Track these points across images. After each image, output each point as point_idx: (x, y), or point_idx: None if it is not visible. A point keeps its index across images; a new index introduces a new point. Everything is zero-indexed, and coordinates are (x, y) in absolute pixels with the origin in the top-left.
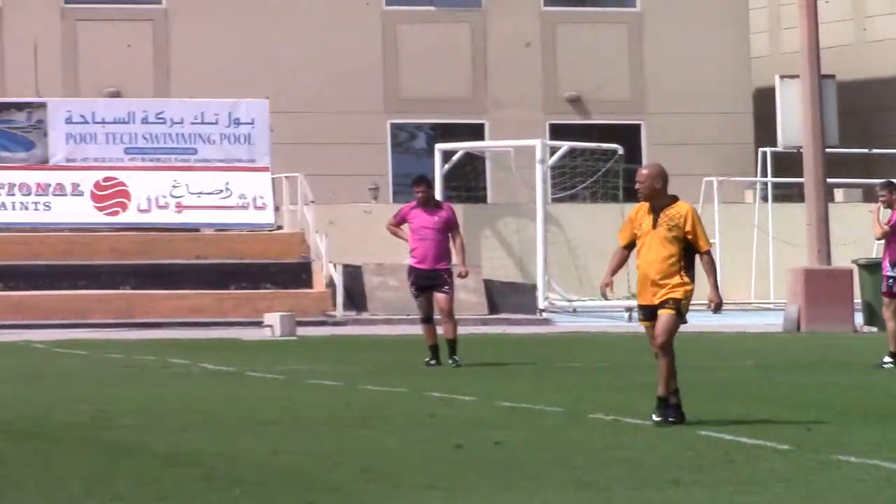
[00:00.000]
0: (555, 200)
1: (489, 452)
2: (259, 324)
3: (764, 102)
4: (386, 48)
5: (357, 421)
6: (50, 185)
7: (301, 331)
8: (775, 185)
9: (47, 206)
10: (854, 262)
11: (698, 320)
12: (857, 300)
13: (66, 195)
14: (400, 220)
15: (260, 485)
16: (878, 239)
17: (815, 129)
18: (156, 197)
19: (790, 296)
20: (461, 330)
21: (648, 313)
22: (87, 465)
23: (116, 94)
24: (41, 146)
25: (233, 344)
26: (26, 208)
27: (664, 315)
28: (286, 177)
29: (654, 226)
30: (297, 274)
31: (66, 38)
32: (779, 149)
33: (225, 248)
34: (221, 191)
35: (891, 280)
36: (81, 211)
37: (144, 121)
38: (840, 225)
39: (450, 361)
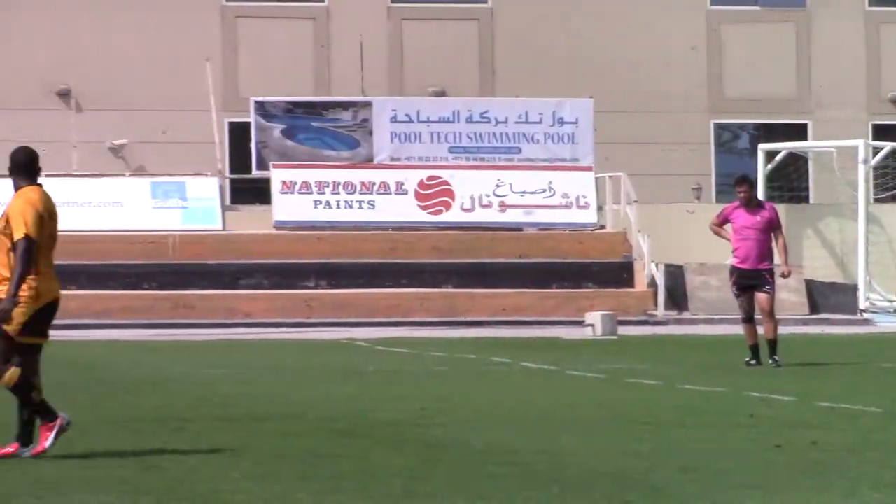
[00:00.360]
0: (877, 201)
1: (807, 452)
2: (580, 323)
3: None
4: (710, 47)
5: (676, 420)
6: (374, 184)
7: (622, 330)
8: None
9: (371, 205)
10: None
11: None
12: None
13: (390, 194)
14: (723, 220)
15: (578, 483)
16: None
17: None
18: (479, 196)
19: None
20: (781, 330)
21: None
22: (406, 463)
23: (441, 93)
24: (366, 145)
25: (554, 343)
26: (351, 207)
27: None
28: (609, 176)
29: None
30: (619, 273)
31: (392, 37)
32: None
33: (547, 248)
34: (545, 190)
35: None
36: (405, 210)
37: (469, 120)
38: None
39: (770, 361)
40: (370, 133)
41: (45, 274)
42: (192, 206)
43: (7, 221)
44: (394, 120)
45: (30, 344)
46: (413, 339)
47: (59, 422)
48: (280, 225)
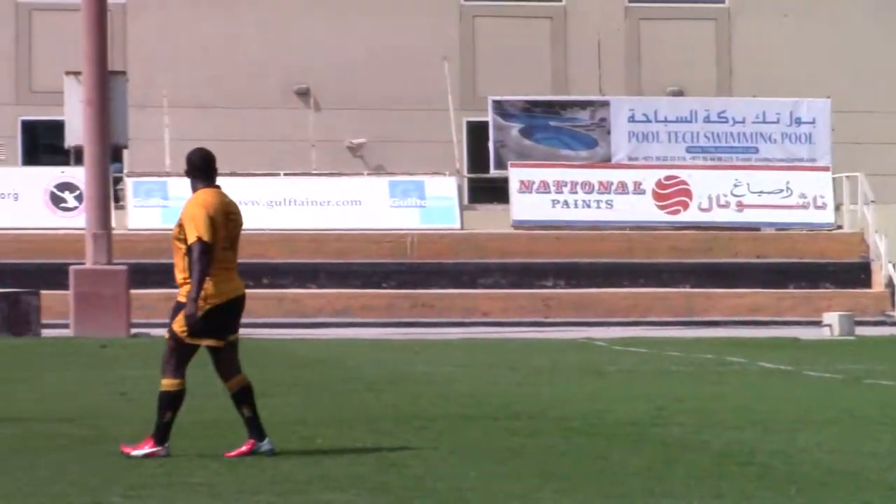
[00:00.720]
0: None
1: None
2: (817, 323)
3: None
4: None
5: None
6: (612, 184)
7: (859, 330)
8: None
9: (609, 205)
10: None
11: None
12: None
13: (627, 193)
14: None
15: (815, 483)
16: None
17: None
18: (716, 196)
19: None
20: None
21: None
22: (644, 462)
23: (679, 93)
24: (604, 144)
25: (791, 343)
26: (588, 206)
27: None
28: (846, 176)
29: None
30: (856, 274)
31: (630, 37)
32: None
33: (784, 248)
34: (781, 190)
35: None
36: (643, 209)
37: (706, 120)
38: None
39: None
40: (608, 132)
41: (218, 276)
42: (430, 206)
43: (181, 227)
44: (631, 119)
45: (215, 346)
46: (650, 338)
47: (161, 451)
48: (518, 224)
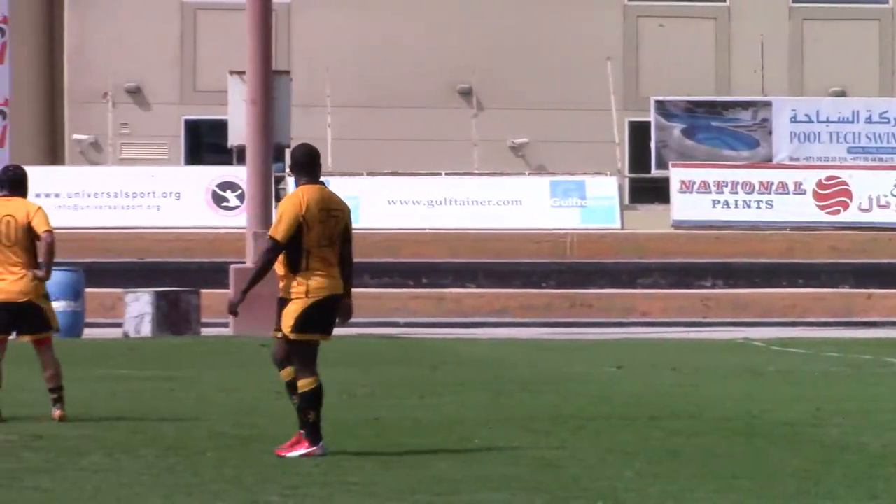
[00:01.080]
0: None
1: None
2: None
3: None
4: None
5: None
6: (772, 184)
7: None
8: None
9: (769, 205)
10: None
11: None
12: None
13: (788, 193)
14: None
15: None
16: None
17: None
18: (877, 196)
19: None
20: None
21: None
22: (801, 463)
23: (841, 94)
24: (765, 144)
25: None
26: (748, 206)
27: None
28: None
29: None
30: None
31: (793, 37)
32: None
33: None
34: None
35: None
36: (803, 210)
37: (868, 120)
38: None
39: None
40: (769, 133)
41: (318, 271)
42: (591, 205)
43: None
44: (793, 120)
45: (309, 340)
46: (808, 339)
47: (317, 450)
48: (678, 224)
